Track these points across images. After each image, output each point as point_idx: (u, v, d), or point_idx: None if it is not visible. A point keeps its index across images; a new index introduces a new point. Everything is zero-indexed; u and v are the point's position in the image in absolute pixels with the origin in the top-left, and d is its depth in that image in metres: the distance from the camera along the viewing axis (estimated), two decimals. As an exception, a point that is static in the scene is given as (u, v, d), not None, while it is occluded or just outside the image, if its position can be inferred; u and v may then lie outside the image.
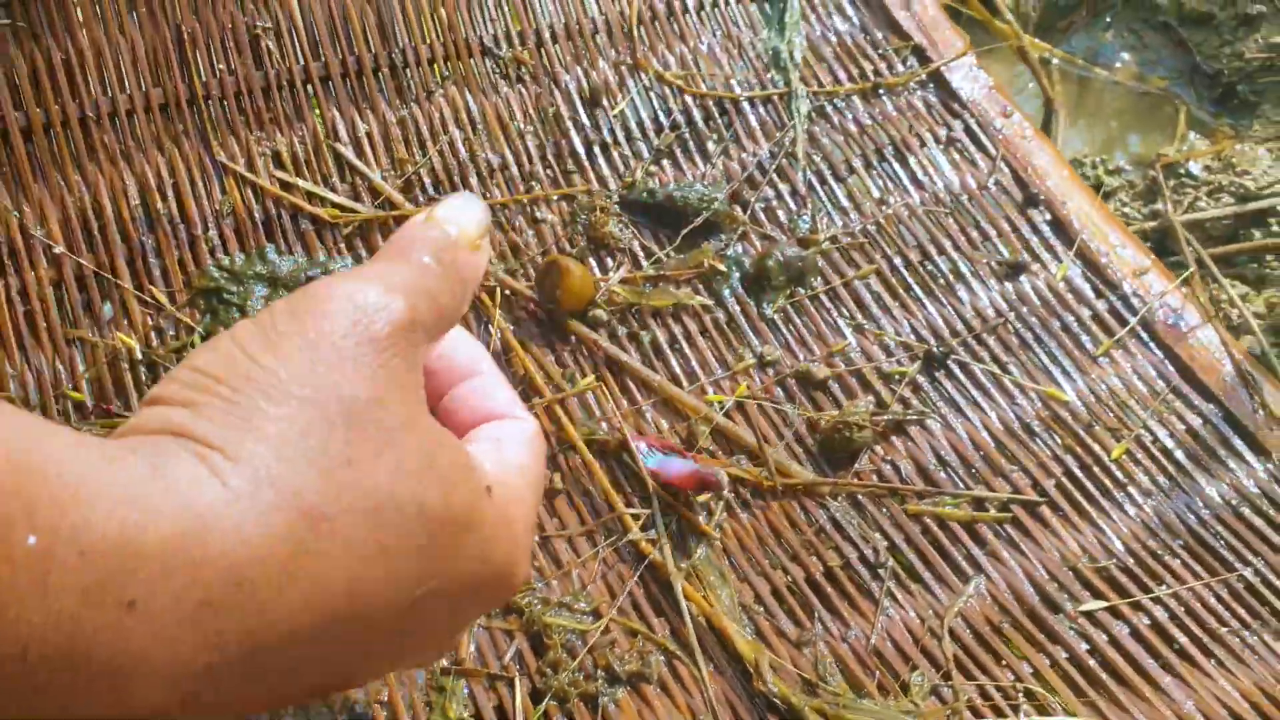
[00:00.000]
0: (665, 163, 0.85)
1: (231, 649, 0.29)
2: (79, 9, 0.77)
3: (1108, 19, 1.20)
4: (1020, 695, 0.60)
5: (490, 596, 0.37)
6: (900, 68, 0.91)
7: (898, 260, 0.81)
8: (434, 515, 0.33)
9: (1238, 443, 0.72)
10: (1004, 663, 0.62)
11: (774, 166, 0.85)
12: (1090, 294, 0.79)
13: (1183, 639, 0.63)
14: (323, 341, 0.33)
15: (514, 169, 0.82)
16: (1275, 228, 0.93)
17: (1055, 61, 1.13)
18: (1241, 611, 0.64)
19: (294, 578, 0.30)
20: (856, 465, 0.70)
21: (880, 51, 0.91)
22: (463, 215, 0.40)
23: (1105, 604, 0.64)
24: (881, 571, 0.65)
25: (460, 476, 0.35)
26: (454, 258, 0.38)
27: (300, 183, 0.78)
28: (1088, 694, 0.60)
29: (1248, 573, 0.66)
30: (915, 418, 0.72)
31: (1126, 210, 0.95)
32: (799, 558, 0.65)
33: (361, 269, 0.37)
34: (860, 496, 0.69)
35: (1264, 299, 0.86)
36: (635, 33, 0.89)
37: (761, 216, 0.83)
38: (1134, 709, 0.60)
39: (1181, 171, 0.98)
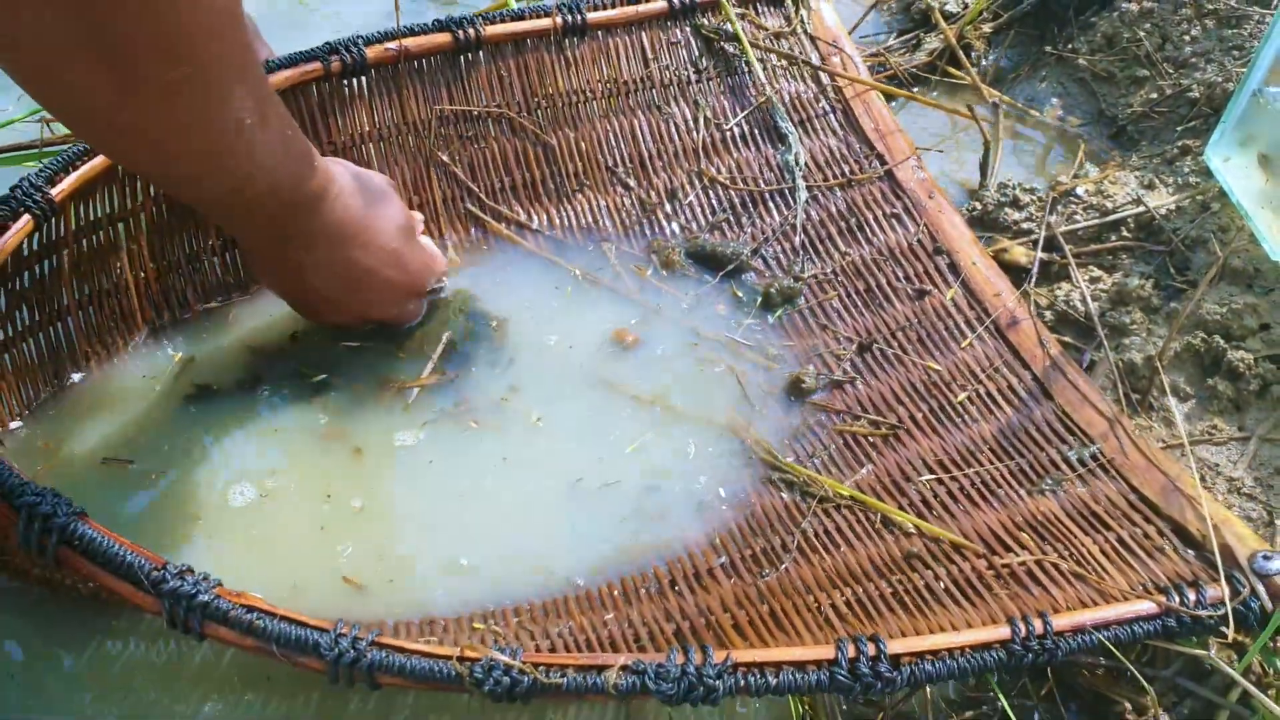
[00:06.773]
0: (716, 231, 1.40)
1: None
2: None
3: (1043, 73, 1.73)
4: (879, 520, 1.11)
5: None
6: (867, 167, 1.43)
7: (849, 289, 1.33)
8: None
9: (1036, 392, 1.21)
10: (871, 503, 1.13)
11: (780, 231, 1.39)
12: (966, 307, 1.30)
13: (973, 492, 1.13)
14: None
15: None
16: (1125, 233, 1.41)
17: (1003, 107, 1.65)
18: (1011, 480, 1.14)
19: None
20: (810, 401, 1.22)
21: (854, 157, 1.44)
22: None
23: (934, 476, 1.15)
24: (816, 461, 1.18)
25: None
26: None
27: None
28: (925, 517, 1.11)
29: (1022, 462, 1.15)
30: (845, 379, 1.25)
31: (1032, 219, 1.45)
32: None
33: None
34: (810, 420, 1.21)
35: (1111, 280, 1.35)
36: (701, 152, 1.45)
37: (772, 264, 1.36)
38: (940, 524, 1.10)
39: (1070, 193, 1.47)
